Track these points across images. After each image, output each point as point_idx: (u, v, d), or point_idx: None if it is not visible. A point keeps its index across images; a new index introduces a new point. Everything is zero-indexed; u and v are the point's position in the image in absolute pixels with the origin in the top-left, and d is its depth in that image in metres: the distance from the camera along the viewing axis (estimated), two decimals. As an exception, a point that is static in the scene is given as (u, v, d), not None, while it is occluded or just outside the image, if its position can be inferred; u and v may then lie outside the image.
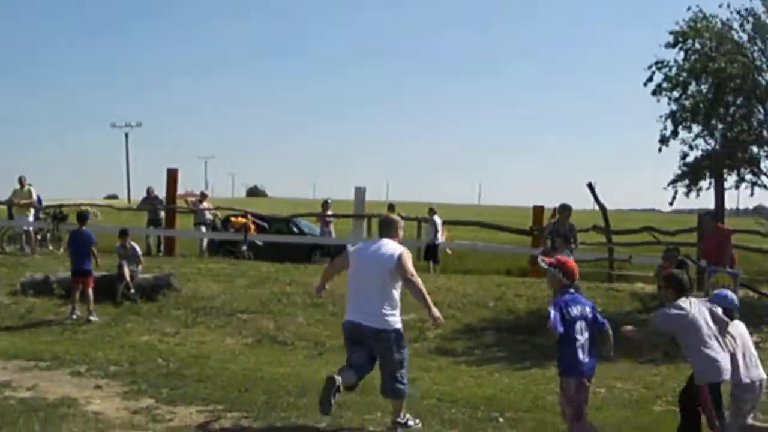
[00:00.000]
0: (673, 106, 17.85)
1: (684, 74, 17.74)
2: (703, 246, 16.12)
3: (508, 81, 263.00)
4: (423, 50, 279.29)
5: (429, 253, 23.21)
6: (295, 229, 27.05)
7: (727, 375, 7.66)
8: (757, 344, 13.34)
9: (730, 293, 8.74)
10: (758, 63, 17.16)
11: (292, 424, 8.72)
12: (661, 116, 18.04)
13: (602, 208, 21.92)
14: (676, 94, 17.80)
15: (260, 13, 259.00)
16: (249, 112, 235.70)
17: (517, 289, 17.45)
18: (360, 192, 23.93)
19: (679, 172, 18.31)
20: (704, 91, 17.63)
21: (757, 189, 18.09)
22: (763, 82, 17.19)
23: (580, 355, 7.32)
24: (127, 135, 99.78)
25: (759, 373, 7.94)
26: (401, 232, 8.92)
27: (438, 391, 10.44)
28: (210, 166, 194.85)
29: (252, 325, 14.82)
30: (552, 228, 16.24)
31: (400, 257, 8.34)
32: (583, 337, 7.33)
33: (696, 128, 17.94)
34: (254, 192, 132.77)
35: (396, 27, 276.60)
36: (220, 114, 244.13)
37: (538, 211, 23.42)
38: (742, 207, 45.52)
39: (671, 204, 18.96)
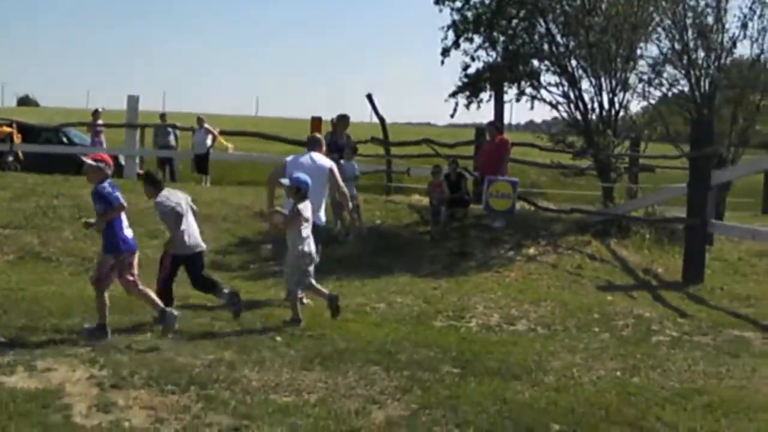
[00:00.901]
0: (456, 17, 17.67)
1: (467, -18, 17.58)
2: (480, 155, 16.11)
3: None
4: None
5: (199, 165, 22.42)
6: (64, 139, 25.48)
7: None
8: (534, 257, 13.79)
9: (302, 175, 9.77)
10: (542, -24, 17.10)
11: (52, 348, 7.91)
12: (442, 27, 17.87)
13: (381, 119, 21.68)
14: (458, 4, 17.63)
15: None
16: (23, 21, 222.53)
17: (295, 201, 16.94)
18: (133, 101, 22.71)
19: (460, 83, 18.25)
20: (487, 2, 17.52)
21: (536, 103, 18.27)
22: (547, -5, 17.21)
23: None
24: None
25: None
26: (324, 148, 11.21)
27: (212, 310, 9.84)
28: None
29: (14, 241, 13.68)
30: (329, 139, 15.78)
31: (331, 169, 10.61)
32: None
33: (478, 40, 17.89)
34: (25, 101, 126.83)
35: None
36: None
37: (316, 122, 22.91)
38: (514, 123, 47.00)
39: (452, 116, 19.03)
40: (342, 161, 15.04)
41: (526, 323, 10.00)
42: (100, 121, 24.20)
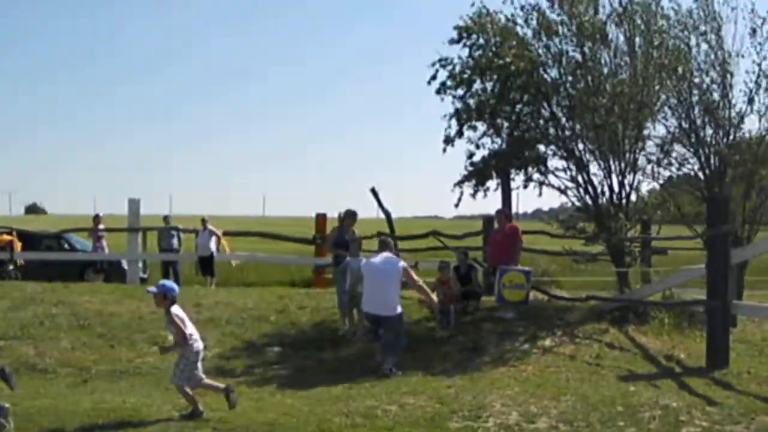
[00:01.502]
0: (458, 104, 17.41)
1: (468, 71, 17.29)
2: (490, 245, 15.65)
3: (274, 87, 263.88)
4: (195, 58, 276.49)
5: (204, 266, 22.06)
6: (66, 246, 25.19)
7: None
8: (551, 348, 13.24)
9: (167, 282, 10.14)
10: (543, 59, 16.86)
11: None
12: (445, 115, 17.57)
13: (386, 213, 21.31)
14: (460, 92, 17.36)
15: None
16: (26, 128, 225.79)
17: (300, 301, 16.58)
18: (134, 204, 22.51)
19: (466, 172, 17.87)
20: (489, 88, 17.26)
21: (544, 189, 17.85)
22: (549, 79, 16.94)
23: None
24: None
25: None
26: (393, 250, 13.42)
27: (213, 418, 9.31)
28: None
29: (9, 353, 13.20)
30: (336, 236, 15.40)
31: (405, 268, 12.65)
32: None
33: (481, 127, 17.56)
34: (33, 209, 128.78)
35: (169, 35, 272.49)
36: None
37: (321, 218, 22.70)
38: (521, 212, 46.70)
39: (457, 206, 18.65)
40: (348, 258, 14.64)
41: (546, 420, 9.38)
42: (101, 226, 23.86)
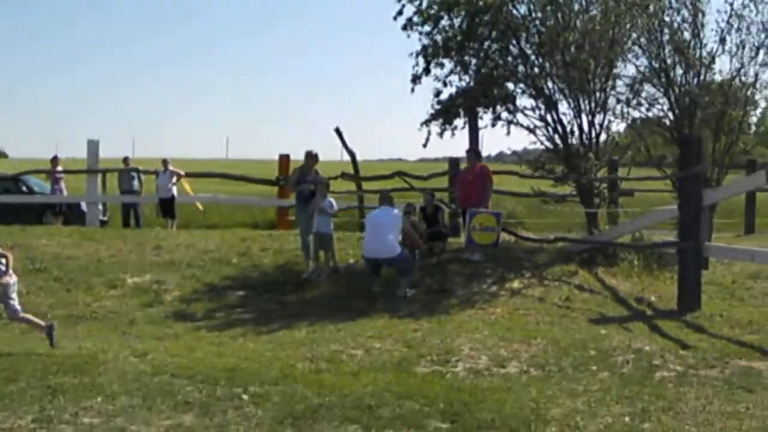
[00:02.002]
0: (425, 41, 16.95)
1: (435, 7, 16.80)
2: (459, 185, 15.30)
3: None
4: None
5: (165, 209, 21.58)
6: (24, 189, 24.47)
7: None
8: (519, 290, 13.01)
9: None
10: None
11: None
12: (412, 53, 17.11)
13: (351, 154, 20.84)
14: (427, 28, 16.91)
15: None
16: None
17: (262, 243, 16.20)
18: (93, 145, 21.84)
19: (433, 111, 17.47)
20: (457, 25, 16.80)
21: (513, 128, 17.49)
22: (518, 15, 16.51)
23: None
24: None
25: None
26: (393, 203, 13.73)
27: (173, 364, 8.89)
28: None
29: (-42, 298, 12.68)
30: (298, 176, 14.99)
31: (400, 216, 13.40)
32: None
33: (449, 64, 17.13)
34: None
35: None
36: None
37: (285, 160, 22.18)
38: (484, 154, 46.24)
39: (425, 146, 18.23)
40: (315, 198, 14.29)
41: (517, 365, 9.11)
42: (59, 168, 23.20)
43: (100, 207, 22.52)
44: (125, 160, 23.90)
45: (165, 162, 21.86)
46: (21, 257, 14.69)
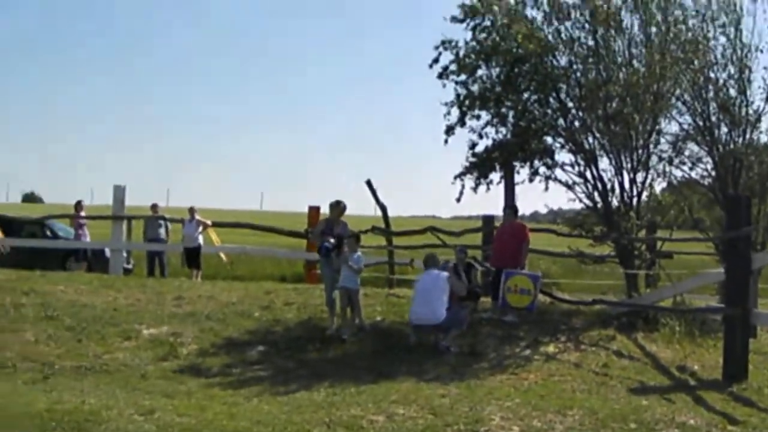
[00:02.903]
0: (460, 90, 16.46)
1: (473, 56, 16.33)
2: (495, 242, 14.71)
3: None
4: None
5: (190, 258, 21.14)
6: (48, 233, 24.14)
7: None
8: (554, 355, 12.31)
9: None
10: (553, 44, 15.84)
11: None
12: (446, 103, 16.61)
13: (382, 207, 20.36)
14: (463, 77, 16.42)
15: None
16: (19, 116, 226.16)
17: (287, 297, 15.70)
18: (119, 191, 21.66)
19: (467, 164, 16.92)
20: (494, 75, 16.33)
21: (551, 184, 16.87)
22: (558, 66, 15.95)
23: None
24: None
25: None
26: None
27: (179, 425, 8.31)
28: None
29: (-33, 344, 12.24)
30: (324, 227, 14.43)
31: (447, 278, 13.12)
32: None
33: (485, 116, 16.62)
34: (31, 198, 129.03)
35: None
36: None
37: (314, 211, 21.76)
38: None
39: (459, 200, 17.57)
40: (346, 251, 13.71)
41: (552, 438, 8.42)
42: (82, 213, 22.85)
43: (125, 254, 22.15)
44: (153, 207, 23.53)
45: (192, 210, 21.47)
46: (35, 303, 14.42)
